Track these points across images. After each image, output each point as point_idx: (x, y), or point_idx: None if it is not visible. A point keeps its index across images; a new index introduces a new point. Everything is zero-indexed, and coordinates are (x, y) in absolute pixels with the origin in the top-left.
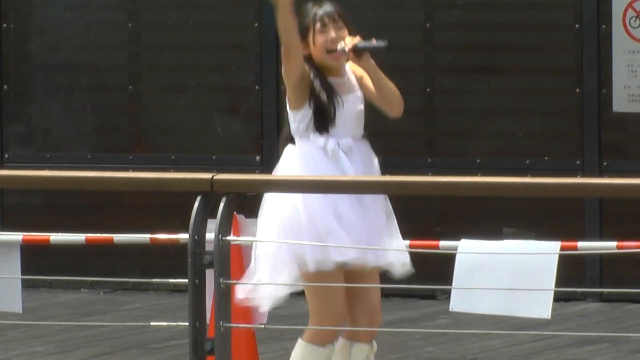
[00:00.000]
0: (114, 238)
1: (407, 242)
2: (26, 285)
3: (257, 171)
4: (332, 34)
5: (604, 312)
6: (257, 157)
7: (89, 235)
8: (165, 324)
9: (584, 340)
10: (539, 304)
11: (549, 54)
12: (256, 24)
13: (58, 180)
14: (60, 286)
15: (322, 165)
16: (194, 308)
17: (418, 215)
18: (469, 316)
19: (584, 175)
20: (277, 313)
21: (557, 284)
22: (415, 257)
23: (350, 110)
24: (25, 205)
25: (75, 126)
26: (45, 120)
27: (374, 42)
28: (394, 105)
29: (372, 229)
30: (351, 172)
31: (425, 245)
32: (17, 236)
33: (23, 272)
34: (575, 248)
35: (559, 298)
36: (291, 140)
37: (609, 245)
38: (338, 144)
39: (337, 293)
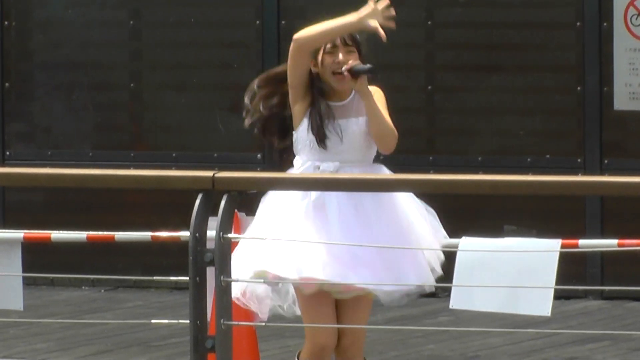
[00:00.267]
0: (115, 236)
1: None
2: (27, 282)
3: (258, 169)
4: (340, 56)
5: (605, 310)
6: (259, 155)
7: (90, 233)
8: (166, 321)
9: (585, 338)
10: (540, 302)
11: (550, 52)
12: (257, 22)
13: (59, 178)
14: (61, 284)
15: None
16: (195, 306)
17: None
18: (469, 314)
19: (585, 173)
20: (278, 310)
21: (558, 282)
22: None
23: (343, 134)
24: (26, 202)
25: (77, 124)
26: (47, 117)
27: (368, 66)
28: (382, 139)
29: (365, 250)
30: (329, 200)
31: None
32: (19, 234)
33: (24, 270)
34: (576, 246)
35: (559, 296)
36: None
37: (610, 243)
38: (319, 168)
39: (324, 317)
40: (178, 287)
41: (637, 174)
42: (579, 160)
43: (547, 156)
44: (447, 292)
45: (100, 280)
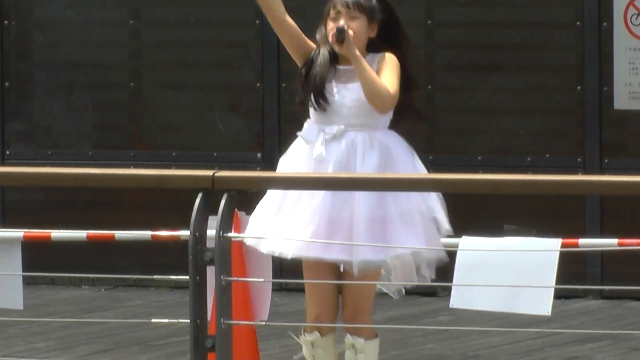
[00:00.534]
0: (115, 235)
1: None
2: (27, 282)
3: (258, 168)
4: (341, 22)
5: (605, 310)
6: (259, 155)
7: (90, 232)
8: (166, 320)
9: (585, 338)
10: (540, 301)
11: (550, 51)
12: (257, 22)
13: (59, 177)
14: (61, 283)
15: (301, 155)
16: (195, 305)
17: None
18: (469, 313)
19: (584, 172)
20: (278, 310)
21: (558, 281)
22: None
23: (347, 98)
24: (26, 202)
25: (77, 123)
26: (47, 117)
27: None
28: (372, 100)
29: (343, 224)
30: (328, 159)
31: None
32: (19, 233)
33: (24, 269)
34: (576, 245)
35: (559, 295)
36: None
37: (610, 243)
38: (323, 131)
39: (316, 287)
40: (178, 286)
41: (637, 174)
42: (578, 159)
43: (547, 155)
44: (447, 291)
45: (100, 280)
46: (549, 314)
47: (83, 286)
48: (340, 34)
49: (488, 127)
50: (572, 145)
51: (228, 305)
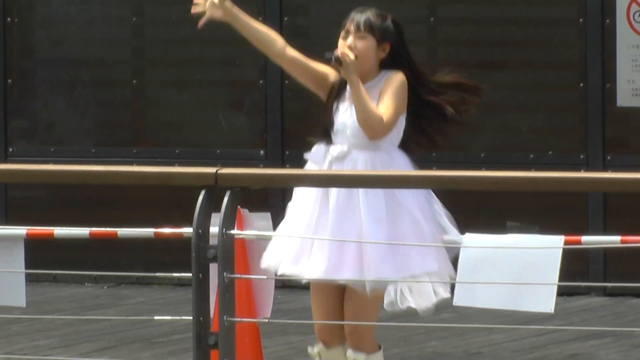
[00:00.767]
0: (118, 232)
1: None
2: (30, 279)
3: (261, 165)
4: (348, 41)
5: (608, 307)
6: (261, 152)
7: (93, 229)
8: (169, 318)
9: (588, 335)
10: (543, 298)
11: (553, 48)
12: (260, 18)
13: (62, 174)
14: (64, 280)
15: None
16: (198, 302)
17: None
18: (472, 310)
19: (587, 169)
20: (281, 307)
21: (561, 279)
22: None
23: (350, 119)
24: (29, 199)
25: (79, 120)
26: (49, 114)
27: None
28: (362, 127)
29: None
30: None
31: None
32: (21, 230)
33: (27, 266)
34: (579, 242)
35: (562, 292)
36: None
37: (613, 240)
38: (328, 150)
39: (320, 303)
40: (181, 283)
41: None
42: (581, 156)
43: (550, 152)
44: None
45: (102, 277)
46: (552, 311)
47: (86, 284)
48: (335, 60)
49: (491, 124)
50: (575, 143)
51: (231, 302)
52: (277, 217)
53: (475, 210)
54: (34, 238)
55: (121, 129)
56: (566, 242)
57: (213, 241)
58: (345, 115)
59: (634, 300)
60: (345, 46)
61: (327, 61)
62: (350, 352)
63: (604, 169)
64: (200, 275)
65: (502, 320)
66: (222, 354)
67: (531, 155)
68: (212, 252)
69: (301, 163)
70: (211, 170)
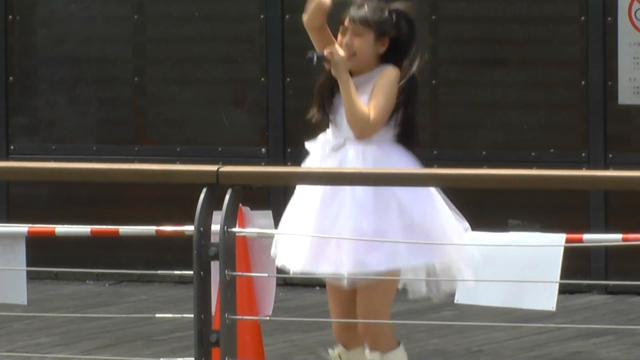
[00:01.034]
0: (120, 230)
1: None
2: (31, 277)
3: (262, 163)
4: (346, 38)
5: (609, 305)
6: (263, 149)
7: (95, 227)
8: (170, 315)
9: (589, 333)
10: (544, 296)
11: (555, 46)
12: (262, 16)
13: (63, 172)
14: (65, 278)
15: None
16: (199, 300)
17: None
18: (474, 308)
19: (589, 167)
20: (283, 305)
21: (562, 277)
22: None
23: (342, 111)
24: (30, 197)
25: (81, 118)
26: (51, 112)
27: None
28: (350, 125)
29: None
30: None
31: None
32: (23, 228)
33: (28, 264)
34: (581, 240)
35: (564, 290)
36: None
37: (614, 238)
38: (328, 142)
39: (334, 303)
40: (182, 281)
41: None
42: (583, 154)
43: (551, 150)
44: None
45: (104, 275)
46: (554, 309)
47: (87, 281)
48: (318, 60)
49: (492, 122)
50: (577, 140)
51: (232, 300)
52: (279, 215)
53: (476, 208)
54: (35, 236)
55: (122, 126)
56: (568, 240)
57: (214, 239)
58: (342, 108)
59: (636, 298)
60: (342, 43)
61: (309, 61)
62: (367, 352)
63: (606, 166)
64: (202, 273)
65: (503, 318)
66: (223, 352)
67: (532, 153)
68: (213, 249)
69: (303, 161)
70: (212, 168)
